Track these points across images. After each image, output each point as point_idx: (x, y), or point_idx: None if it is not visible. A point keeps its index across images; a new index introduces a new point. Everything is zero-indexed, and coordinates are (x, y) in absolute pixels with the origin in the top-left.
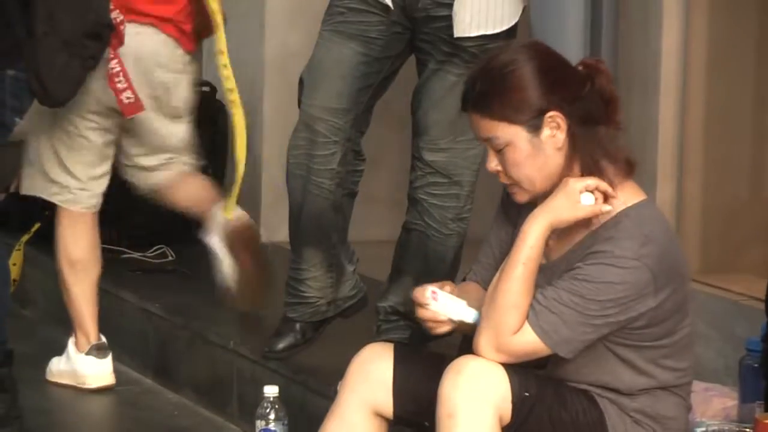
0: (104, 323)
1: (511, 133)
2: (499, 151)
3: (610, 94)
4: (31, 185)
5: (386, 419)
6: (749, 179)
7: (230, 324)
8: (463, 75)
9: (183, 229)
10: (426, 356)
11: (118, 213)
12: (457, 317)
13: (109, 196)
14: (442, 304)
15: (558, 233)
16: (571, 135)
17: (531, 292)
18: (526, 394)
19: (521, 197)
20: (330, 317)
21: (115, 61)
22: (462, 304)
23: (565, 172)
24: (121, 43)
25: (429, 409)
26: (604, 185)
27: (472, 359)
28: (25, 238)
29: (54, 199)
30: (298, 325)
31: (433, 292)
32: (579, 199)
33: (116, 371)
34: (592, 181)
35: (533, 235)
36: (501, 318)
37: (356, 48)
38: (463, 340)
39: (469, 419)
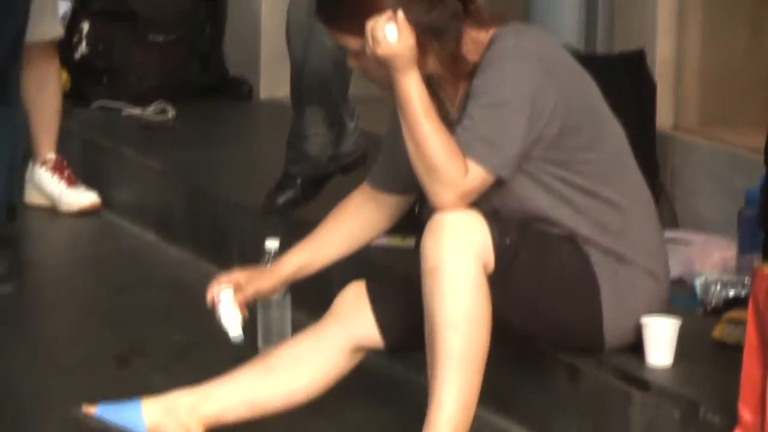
0: (105, 179)
1: (360, 44)
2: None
3: None
4: None
5: (366, 352)
6: (748, 32)
7: (231, 179)
8: None
9: (183, 85)
10: (398, 285)
11: (117, 69)
12: (225, 324)
13: (107, 52)
14: (222, 309)
15: (450, 95)
16: (421, 42)
17: (448, 133)
18: (507, 241)
19: (383, 92)
20: (330, 173)
21: None
22: (234, 317)
23: (421, 64)
24: None
25: (416, 332)
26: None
27: (449, 213)
28: None
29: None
30: (298, 180)
31: (219, 296)
32: (389, 39)
33: (117, 226)
34: (381, 21)
35: (411, 89)
36: (448, 170)
37: None
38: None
39: (453, 271)
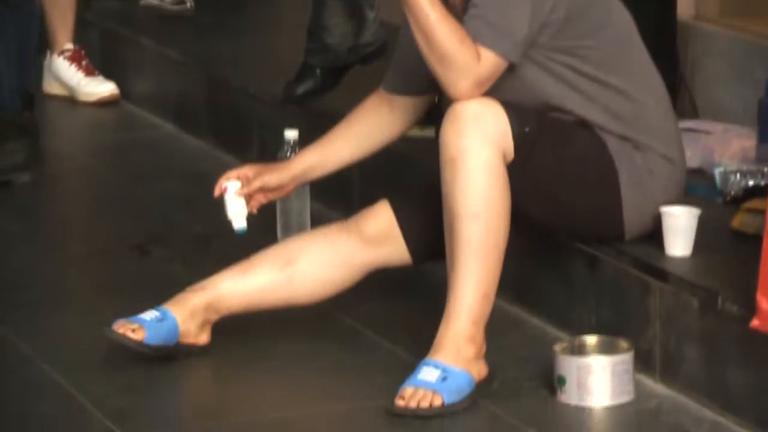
0: (123, 69)
1: None
2: None
3: None
4: None
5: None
6: None
7: (250, 69)
8: None
9: None
10: (418, 193)
11: None
12: (230, 216)
13: None
14: (227, 201)
15: None
16: None
17: (456, 21)
18: (526, 129)
19: None
20: (350, 64)
21: None
22: (239, 208)
23: None
24: None
25: (442, 242)
26: None
27: (467, 102)
28: None
29: None
30: (318, 71)
31: (225, 188)
32: None
33: (136, 116)
34: None
35: None
36: (460, 57)
37: None
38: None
39: (473, 160)
